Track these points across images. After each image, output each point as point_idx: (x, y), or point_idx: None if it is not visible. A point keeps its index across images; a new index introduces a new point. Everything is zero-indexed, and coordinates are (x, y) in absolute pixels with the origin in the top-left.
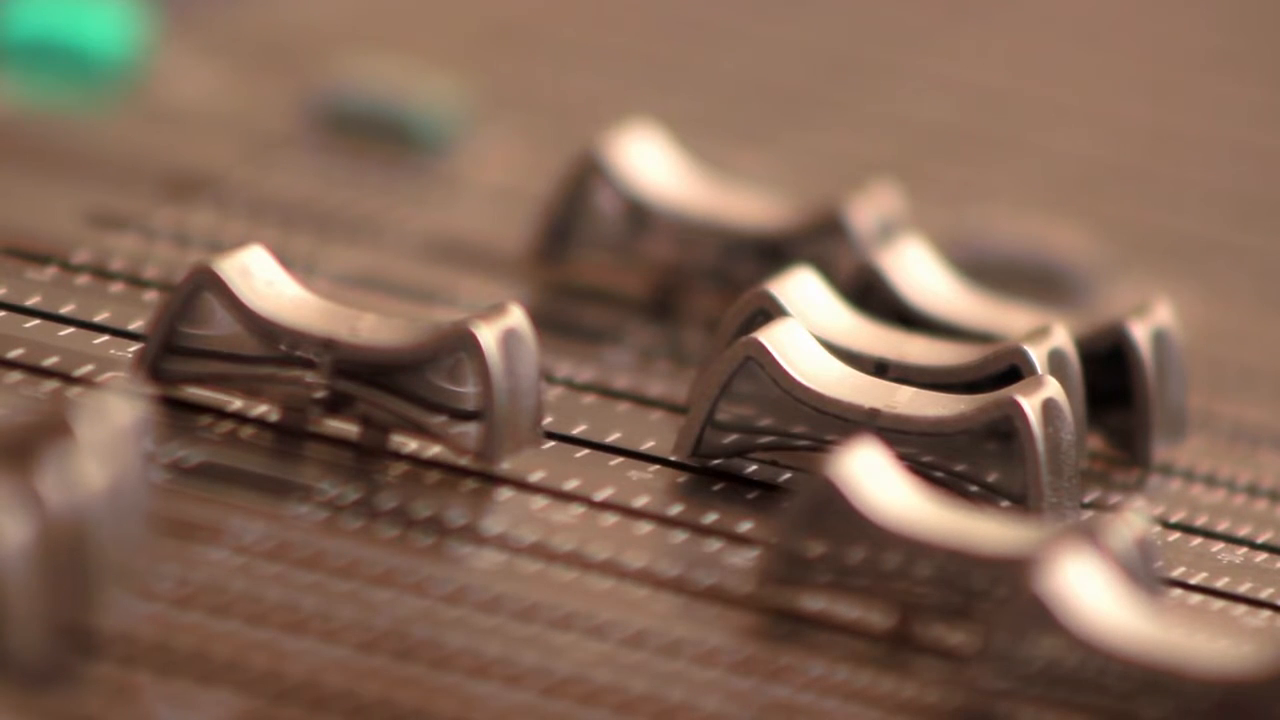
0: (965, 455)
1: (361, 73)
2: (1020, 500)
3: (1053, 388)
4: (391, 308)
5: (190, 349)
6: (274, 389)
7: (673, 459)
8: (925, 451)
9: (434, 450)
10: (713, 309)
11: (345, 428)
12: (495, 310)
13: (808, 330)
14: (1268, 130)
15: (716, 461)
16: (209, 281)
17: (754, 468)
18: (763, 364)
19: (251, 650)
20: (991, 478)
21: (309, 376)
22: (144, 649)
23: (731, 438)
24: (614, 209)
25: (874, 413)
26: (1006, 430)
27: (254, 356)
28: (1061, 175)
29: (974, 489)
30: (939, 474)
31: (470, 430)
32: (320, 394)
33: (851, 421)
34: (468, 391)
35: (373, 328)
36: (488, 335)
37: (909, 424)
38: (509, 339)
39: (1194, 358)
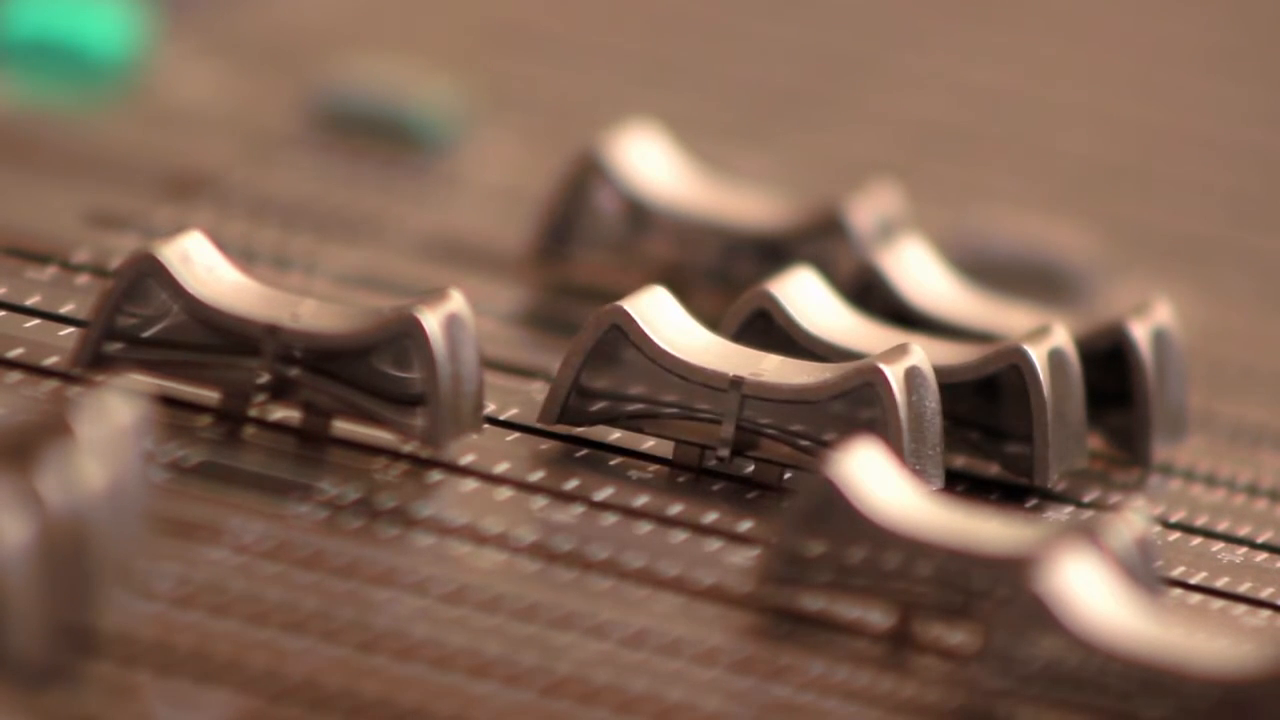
0: (832, 424)
1: (361, 73)
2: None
3: (917, 355)
4: (330, 295)
5: (132, 335)
6: (217, 375)
7: (538, 426)
8: (792, 420)
9: (375, 435)
10: (713, 309)
11: (288, 414)
12: (437, 295)
13: (673, 304)
14: (1267, 130)
15: (581, 429)
16: (150, 268)
17: (752, 468)
18: (627, 331)
19: (251, 650)
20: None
21: (252, 363)
22: (144, 649)
23: (598, 405)
24: (614, 208)
25: (738, 380)
26: (870, 397)
27: (197, 343)
28: (1061, 175)
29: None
30: (805, 443)
31: (414, 416)
32: (264, 380)
33: (717, 389)
34: (411, 377)
35: (314, 313)
36: (431, 320)
37: (774, 392)
38: (451, 324)
39: (1194, 358)
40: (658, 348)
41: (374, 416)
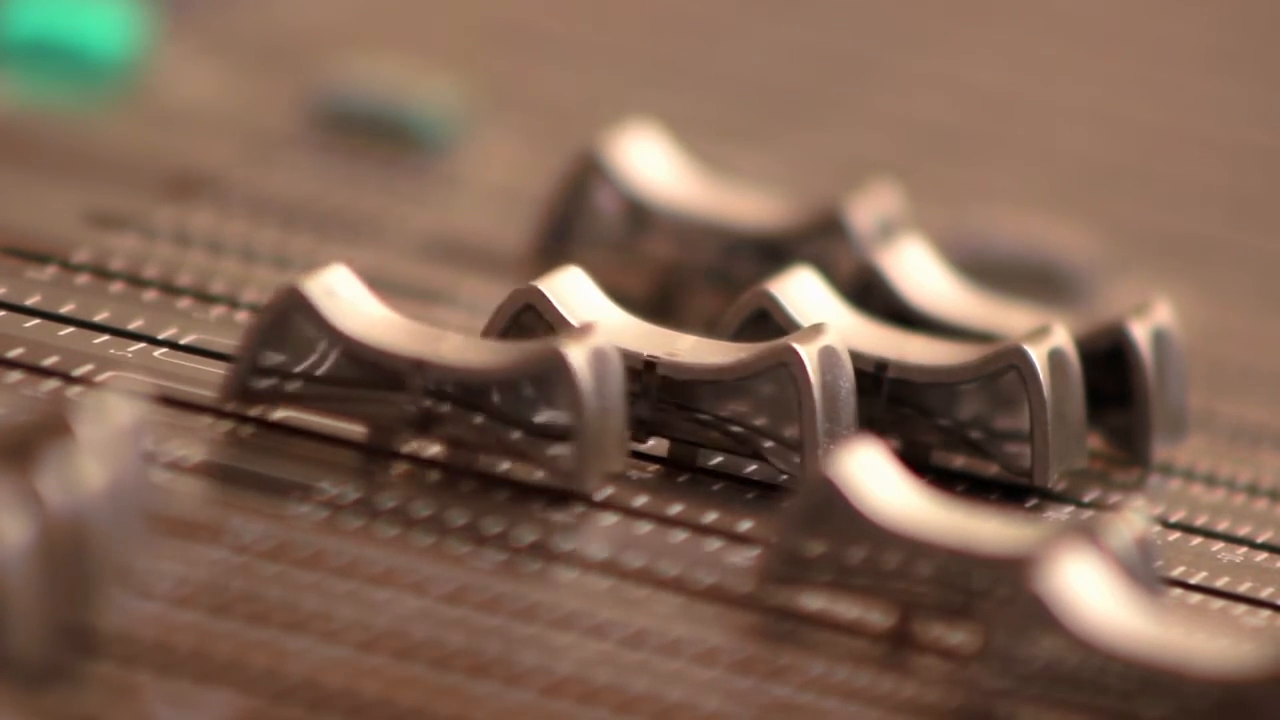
0: (748, 404)
1: (361, 73)
2: (796, 448)
3: (832, 335)
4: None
5: (278, 370)
6: (363, 410)
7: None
8: (713, 402)
9: (513, 469)
10: (713, 309)
11: (432, 449)
12: (583, 331)
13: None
14: (1267, 130)
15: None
16: (297, 303)
17: (753, 467)
18: (542, 311)
19: (251, 650)
20: (774, 426)
21: (399, 397)
22: (144, 649)
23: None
24: (614, 208)
25: (653, 360)
26: (785, 377)
27: (343, 378)
28: (1061, 175)
29: (763, 441)
30: (729, 425)
31: (560, 452)
32: (410, 414)
33: (633, 369)
34: (556, 413)
35: (459, 348)
36: (577, 356)
37: (688, 371)
38: (597, 359)
39: (1194, 358)
40: (570, 326)
41: (518, 452)
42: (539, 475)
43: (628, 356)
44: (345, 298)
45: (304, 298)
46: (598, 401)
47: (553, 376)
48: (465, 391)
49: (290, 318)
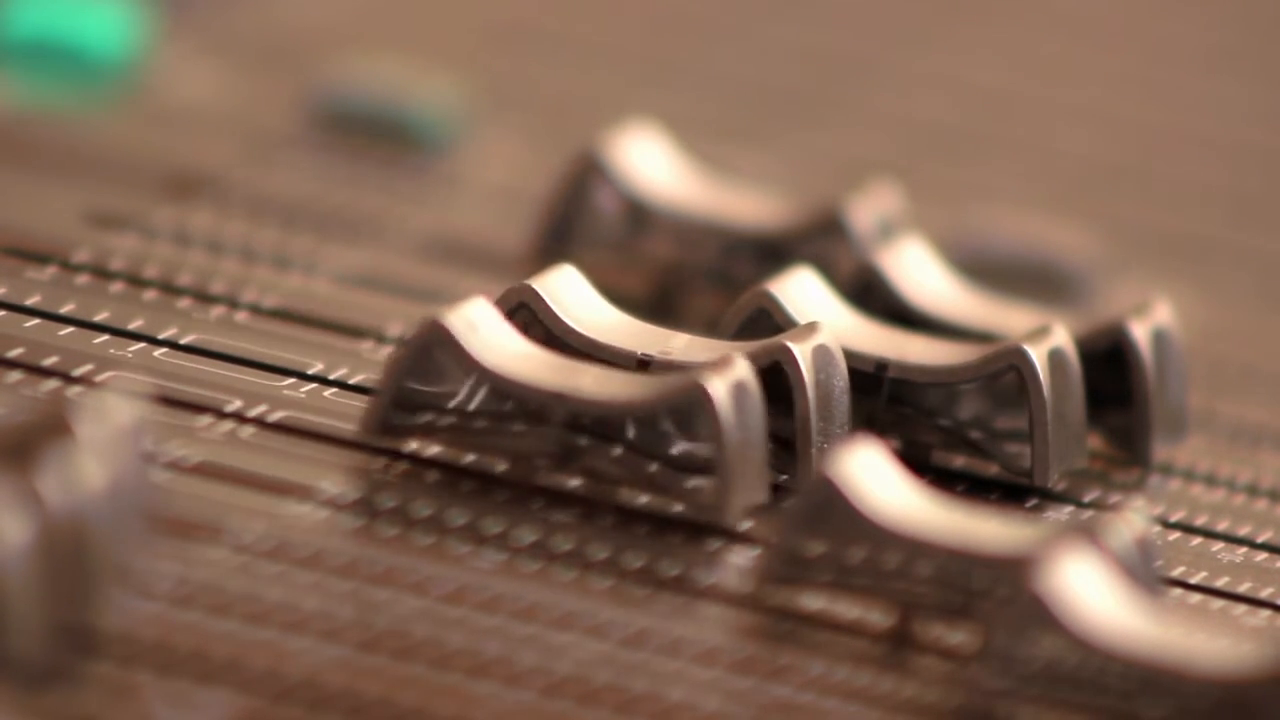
0: None
1: (361, 73)
2: (790, 445)
3: (826, 333)
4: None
5: (418, 402)
6: (504, 443)
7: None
8: None
9: (652, 502)
10: (713, 309)
11: (570, 482)
12: (723, 364)
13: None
14: (1268, 130)
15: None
16: (439, 337)
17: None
18: (535, 310)
19: (251, 650)
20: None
21: (539, 431)
22: (144, 649)
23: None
24: (614, 208)
25: (647, 359)
26: (780, 376)
27: (484, 411)
28: (1061, 175)
29: None
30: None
31: (702, 484)
32: (552, 448)
33: (625, 368)
34: (698, 446)
35: (600, 381)
36: (719, 388)
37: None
38: (738, 392)
39: (1194, 358)
40: (565, 326)
41: (658, 485)
42: (678, 508)
43: (623, 356)
44: (486, 331)
45: (446, 331)
46: (739, 434)
47: (694, 410)
48: (605, 425)
49: (432, 352)
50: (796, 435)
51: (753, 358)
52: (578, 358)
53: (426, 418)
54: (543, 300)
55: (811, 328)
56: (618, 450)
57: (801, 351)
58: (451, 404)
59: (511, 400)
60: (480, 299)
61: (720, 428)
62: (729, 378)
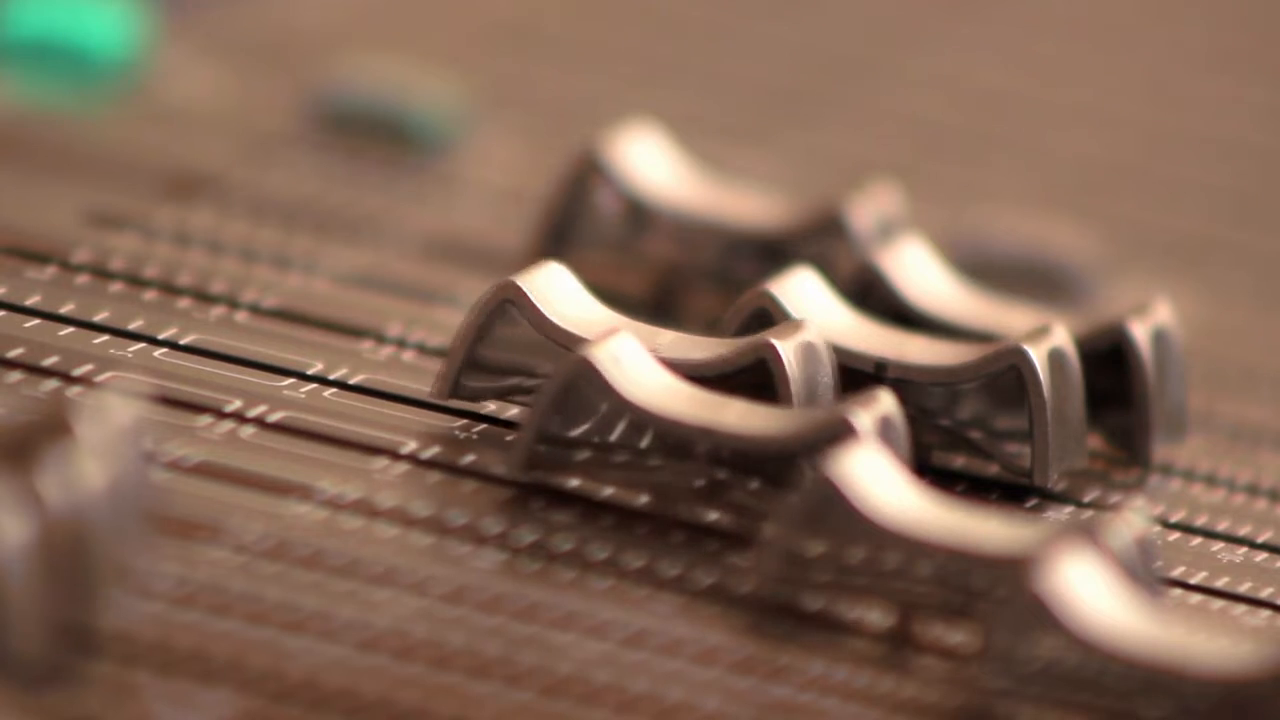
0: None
1: (361, 73)
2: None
3: (812, 330)
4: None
5: (564, 439)
6: (648, 479)
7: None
8: None
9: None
10: (713, 309)
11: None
12: (869, 400)
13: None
14: (1268, 130)
15: (476, 403)
16: (584, 371)
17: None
18: (520, 306)
19: (251, 650)
20: None
21: (683, 465)
22: (144, 649)
23: (491, 380)
24: (614, 208)
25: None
26: (765, 372)
27: (626, 445)
28: (1061, 175)
29: None
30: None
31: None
32: (698, 483)
33: None
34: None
35: (743, 415)
36: (864, 422)
37: (668, 367)
38: (883, 427)
39: (1194, 358)
40: (550, 323)
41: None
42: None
43: None
44: (631, 365)
45: (592, 367)
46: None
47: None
48: (746, 459)
49: (578, 387)
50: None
51: (738, 354)
52: (719, 391)
53: (572, 453)
54: (527, 297)
55: (797, 325)
56: (757, 485)
57: (786, 348)
58: (596, 439)
59: (657, 435)
60: (625, 333)
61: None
62: (875, 411)
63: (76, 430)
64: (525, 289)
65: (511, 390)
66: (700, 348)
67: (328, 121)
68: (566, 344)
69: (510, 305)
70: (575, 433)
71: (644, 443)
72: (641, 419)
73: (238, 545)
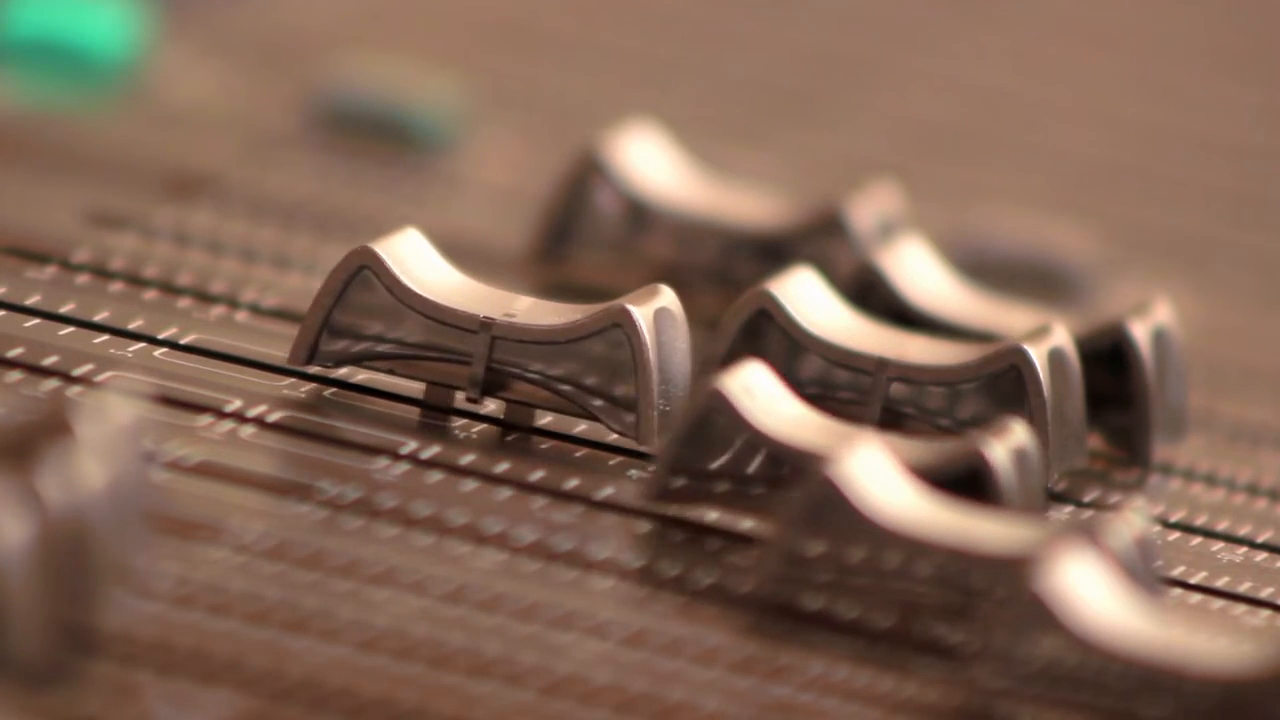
0: (583, 365)
1: (361, 73)
2: (631, 407)
3: (666, 297)
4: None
5: (696, 470)
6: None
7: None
8: (547, 363)
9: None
10: (713, 309)
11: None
12: (648, 292)
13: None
14: (1268, 130)
15: (331, 368)
16: (718, 404)
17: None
18: (377, 273)
19: (251, 650)
20: (612, 389)
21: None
22: (144, 648)
23: (349, 346)
24: (614, 208)
25: (489, 321)
26: (619, 339)
27: (760, 475)
28: (1061, 175)
29: (594, 401)
30: (563, 387)
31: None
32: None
33: (468, 330)
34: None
35: (894, 444)
36: (644, 314)
37: (524, 333)
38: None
39: (1194, 358)
40: (407, 289)
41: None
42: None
43: (466, 318)
44: (762, 395)
45: (725, 399)
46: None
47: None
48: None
49: (711, 418)
50: (638, 396)
51: (594, 320)
52: (845, 419)
53: (705, 484)
54: (384, 262)
55: (653, 290)
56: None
57: (642, 314)
58: (728, 469)
59: (786, 464)
60: (757, 363)
61: (1000, 487)
62: (1012, 441)
63: (76, 430)
64: (382, 255)
65: (368, 355)
66: (557, 314)
67: (328, 121)
68: (423, 310)
69: (368, 271)
70: (710, 464)
71: (777, 473)
72: (773, 449)
73: (238, 545)
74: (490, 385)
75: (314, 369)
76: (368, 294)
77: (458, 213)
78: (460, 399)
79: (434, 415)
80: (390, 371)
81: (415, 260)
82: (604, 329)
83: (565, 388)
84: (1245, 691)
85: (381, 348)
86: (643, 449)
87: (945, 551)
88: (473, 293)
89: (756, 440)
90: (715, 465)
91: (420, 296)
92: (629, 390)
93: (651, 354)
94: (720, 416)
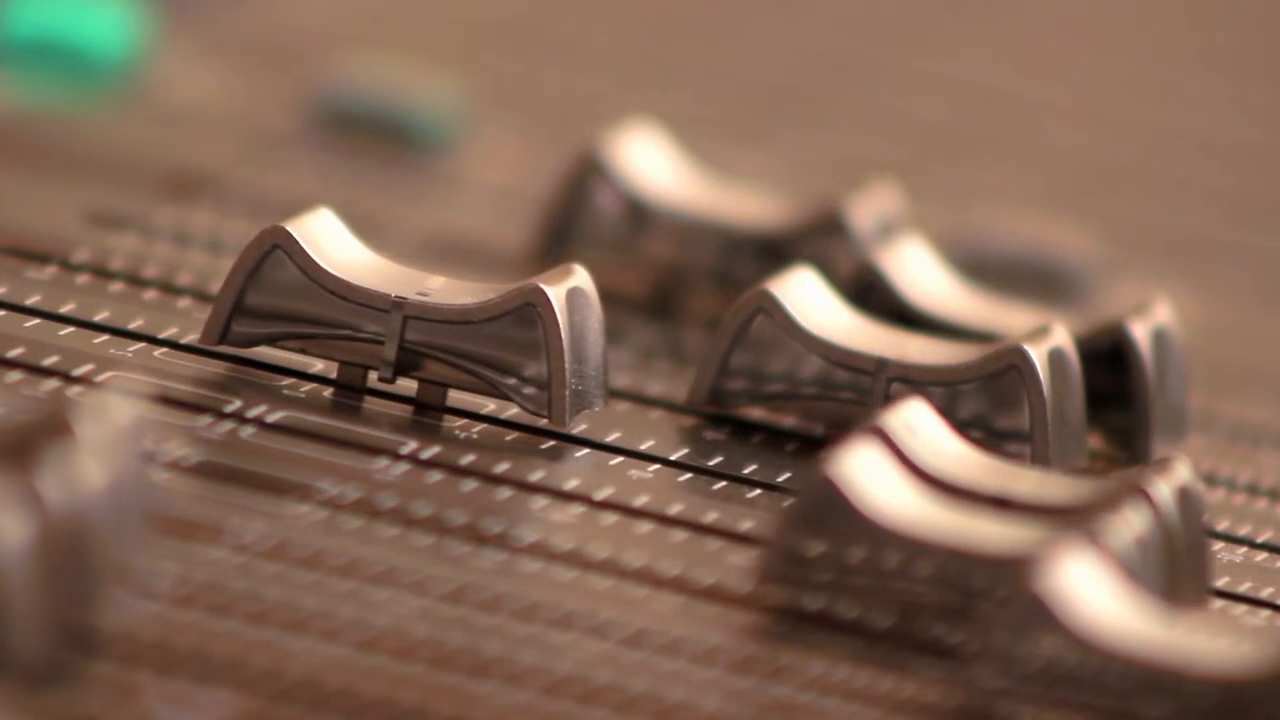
0: (496, 345)
1: (361, 73)
2: (544, 386)
3: (580, 277)
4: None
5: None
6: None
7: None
8: (457, 340)
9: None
10: (713, 309)
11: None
12: (562, 272)
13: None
14: (1268, 130)
15: (247, 349)
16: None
17: (754, 467)
18: (289, 252)
19: (251, 650)
20: (522, 369)
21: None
22: (144, 649)
23: (261, 326)
24: (614, 208)
25: (401, 301)
26: (532, 317)
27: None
28: (1061, 175)
29: (507, 380)
30: (468, 364)
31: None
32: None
33: (380, 310)
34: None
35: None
36: (556, 294)
37: (436, 312)
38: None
39: (1194, 357)
40: (319, 268)
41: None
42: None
43: (378, 298)
44: (923, 433)
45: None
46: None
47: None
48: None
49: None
50: (550, 375)
51: (507, 300)
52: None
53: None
54: (296, 241)
55: (567, 270)
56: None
57: (555, 294)
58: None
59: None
60: (919, 402)
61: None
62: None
63: (76, 430)
64: (294, 233)
65: (281, 335)
66: (470, 293)
67: (328, 121)
68: (335, 289)
69: (279, 250)
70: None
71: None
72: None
73: (238, 545)
74: (403, 365)
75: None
76: (280, 273)
77: (458, 213)
78: (373, 378)
79: (346, 395)
80: (302, 351)
81: (328, 239)
82: (517, 308)
83: (477, 367)
84: (1245, 691)
85: (294, 328)
86: (556, 428)
87: (945, 551)
88: (386, 272)
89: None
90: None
91: (332, 275)
92: (541, 370)
93: (565, 332)
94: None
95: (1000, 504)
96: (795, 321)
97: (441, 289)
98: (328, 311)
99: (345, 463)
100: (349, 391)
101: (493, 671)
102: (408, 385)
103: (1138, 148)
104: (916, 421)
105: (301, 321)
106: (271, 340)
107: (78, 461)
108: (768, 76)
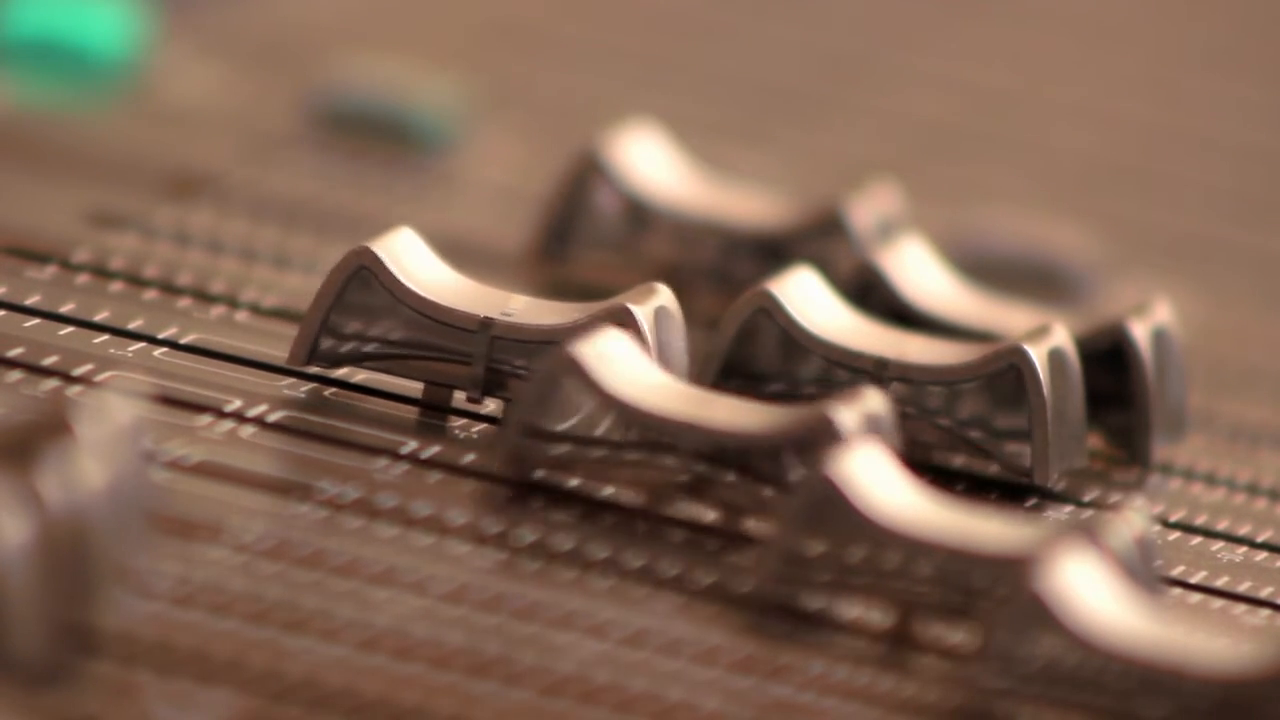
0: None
1: (361, 73)
2: None
3: (665, 296)
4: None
5: (547, 431)
6: (632, 473)
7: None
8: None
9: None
10: (713, 309)
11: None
12: (647, 290)
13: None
14: (1268, 130)
15: (333, 369)
16: (569, 367)
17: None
18: (376, 273)
19: (251, 649)
20: None
21: (669, 460)
22: (144, 648)
23: (349, 346)
24: (614, 208)
25: (488, 321)
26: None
27: (609, 440)
28: (1061, 175)
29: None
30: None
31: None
32: (682, 479)
33: (467, 330)
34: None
35: (729, 412)
36: (848, 418)
37: (522, 332)
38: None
39: (1194, 357)
40: (406, 289)
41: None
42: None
43: (465, 318)
44: (615, 361)
45: (577, 363)
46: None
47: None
48: (728, 455)
49: (562, 382)
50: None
51: (593, 319)
52: (707, 388)
53: (555, 447)
54: (383, 264)
55: (651, 288)
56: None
57: (642, 312)
58: (580, 433)
59: (639, 430)
60: (612, 330)
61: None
62: (861, 407)
63: (76, 430)
64: (380, 254)
65: (366, 356)
66: (554, 313)
67: (328, 121)
68: (421, 310)
69: (366, 271)
70: (559, 428)
71: (628, 437)
72: (626, 415)
73: (238, 545)
74: (489, 385)
75: (314, 369)
76: (366, 294)
77: (458, 213)
78: (460, 398)
79: (433, 415)
80: (388, 371)
81: (411, 259)
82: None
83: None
84: (1245, 691)
85: (379, 348)
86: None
87: (945, 551)
88: (470, 292)
89: (609, 405)
90: (565, 429)
91: (419, 296)
92: None
93: (654, 352)
94: (572, 381)
95: (690, 429)
96: (796, 322)
97: (525, 309)
98: (414, 332)
99: (345, 463)
100: (436, 412)
101: (493, 671)
102: (413, 388)
103: (1138, 148)
104: (608, 349)
105: (387, 342)
106: (357, 361)
107: (78, 461)
108: (768, 76)
